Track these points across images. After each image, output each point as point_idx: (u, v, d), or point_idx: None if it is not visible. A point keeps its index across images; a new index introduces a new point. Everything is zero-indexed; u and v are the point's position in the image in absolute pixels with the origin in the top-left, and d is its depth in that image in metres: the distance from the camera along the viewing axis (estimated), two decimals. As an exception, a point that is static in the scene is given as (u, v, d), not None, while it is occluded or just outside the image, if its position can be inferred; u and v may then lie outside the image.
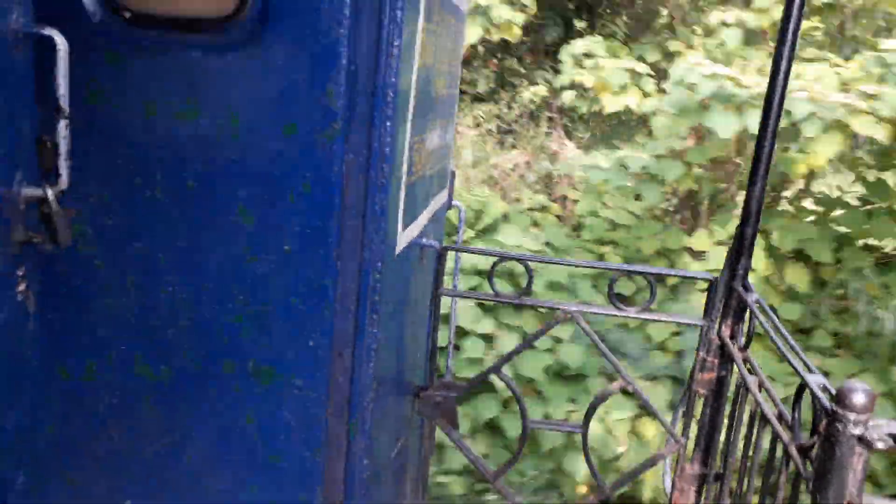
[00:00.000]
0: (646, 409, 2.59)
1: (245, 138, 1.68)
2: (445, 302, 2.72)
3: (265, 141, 1.68)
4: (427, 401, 2.63)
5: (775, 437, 1.65)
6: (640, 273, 2.45)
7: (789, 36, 2.15)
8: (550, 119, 8.27)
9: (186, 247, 1.78)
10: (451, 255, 2.73)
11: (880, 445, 1.24)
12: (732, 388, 2.22)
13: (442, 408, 2.63)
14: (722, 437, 2.33)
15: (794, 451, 1.48)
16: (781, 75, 2.15)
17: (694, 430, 2.52)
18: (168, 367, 1.86)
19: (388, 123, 1.67)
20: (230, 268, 1.78)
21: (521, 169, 7.29)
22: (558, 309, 2.52)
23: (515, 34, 7.27)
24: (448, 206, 2.87)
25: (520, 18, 7.11)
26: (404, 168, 1.91)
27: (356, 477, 2.02)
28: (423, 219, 2.31)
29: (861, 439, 1.26)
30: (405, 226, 2.07)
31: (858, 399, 1.26)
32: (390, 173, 1.75)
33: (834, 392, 1.31)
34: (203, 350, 1.84)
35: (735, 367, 2.13)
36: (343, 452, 2.01)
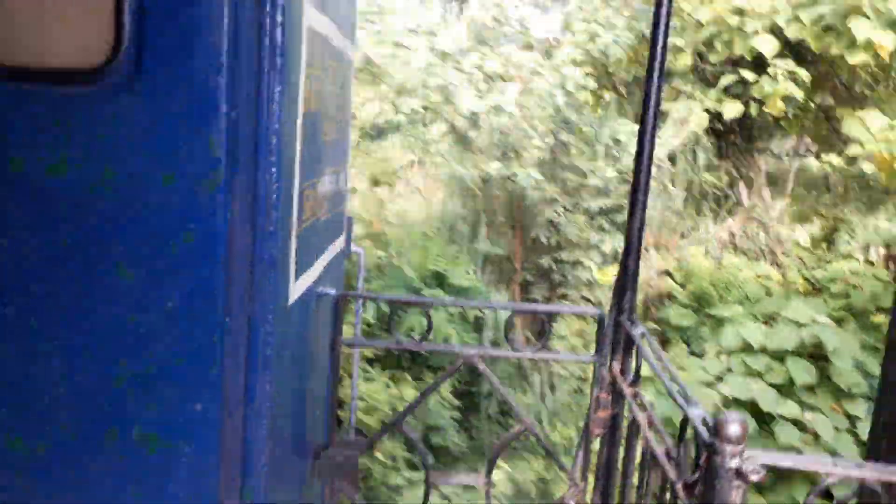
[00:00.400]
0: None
1: (122, 190, 1.61)
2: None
3: (144, 192, 1.61)
4: (328, 461, 2.54)
5: (664, 475, 1.69)
6: (532, 312, 2.50)
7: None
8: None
9: (62, 309, 1.67)
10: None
11: (755, 477, 1.28)
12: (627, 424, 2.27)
13: (343, 468, 2.54)
14: (618, 477, 2.37)
15: (679, 488, 1.51)
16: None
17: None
18: (44, 440, 1.72)
19: (274, 170, 1.64)
20: (110, 329, 1.69)
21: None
22: (456, 353, 2.52)
23: (780, 108, 7.38)
24: (346, 252, 2.84)
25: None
26: (294, 215, 1.88)
27: (252, 545, 1.91)
28: (318, 267, 2.27)
29: (738, 472, 1.31)
30: (298, 275, 2.02)
31: (734, 430, 1.31)
32: (279, 221, 1.72)
33: (712, 424, 1.36)
34: (82, 419, 1.72)
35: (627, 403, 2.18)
36: (238, 525, 1.90)
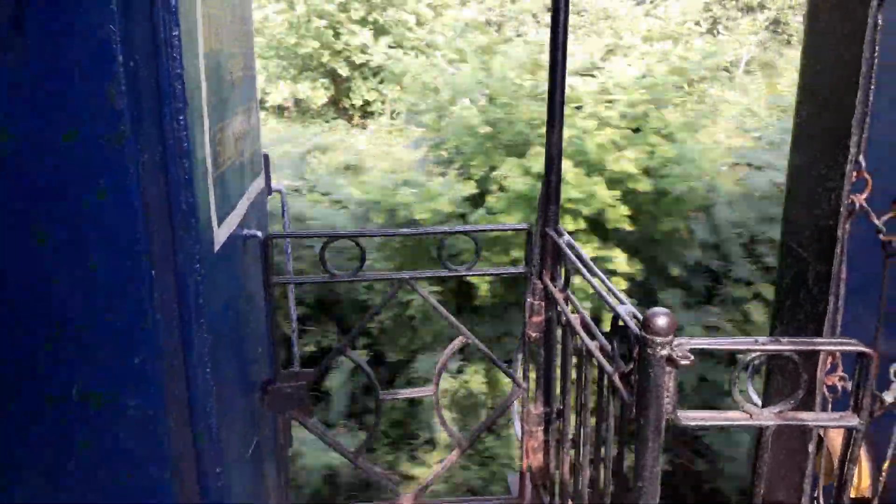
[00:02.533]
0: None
1: (24, 154, 1.53)
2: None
3: (46, 153, 1.53)
4: (275, 394, 2.57)
5: (601, 369, 1.79)
6: (462, 232, 2.53)
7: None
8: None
9: None
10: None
11: (684, 362, 1.38)
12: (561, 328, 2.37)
13: (291, 399, 2.59)
14: (558, 376, 2.49)
15: (616, 379, 1.61)
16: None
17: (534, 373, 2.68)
18: None
19: (181, 117, 1.59)
20: (34, 294, 1.64)
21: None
22: (393, 279, 2.55)
23: None
24: (268, 191, 2.78)
25: None
26: (208, 160, 1.82)
27: (211, 486, 1.96)
28: (240, 209, 2.23)
29: (669, 359, 1.40)
30: (221, 220, 1.98)
31: (661, 322, 1.39)
32: (192, 168, 1.67)
33: (641, 318, 1.44)
34: (22, 387, 1.69)
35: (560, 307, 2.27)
36: (194, 465, 1.94)
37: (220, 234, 2.00)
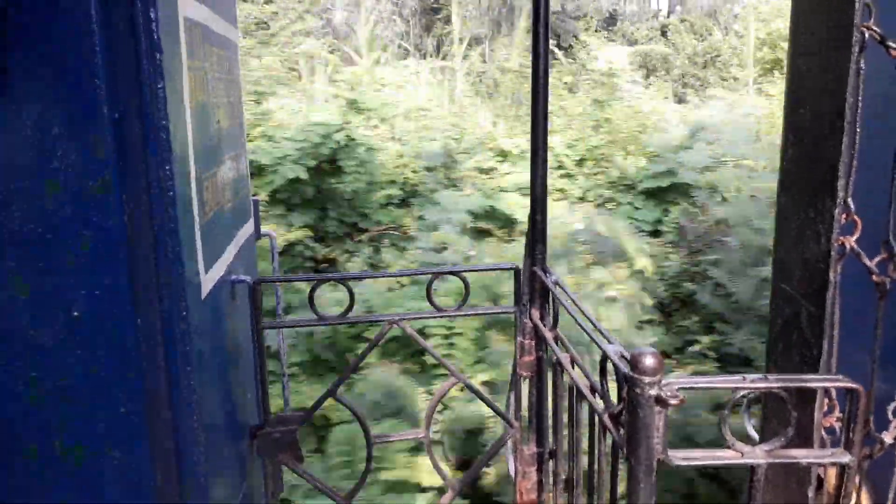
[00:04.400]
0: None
1: (9, 203, 1.53)
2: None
3: (30, 204, 1.54)
4: (264, 439, 2.54)
5: (591, 409, 1.78)
6: (451, 273, 2.54)
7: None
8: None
9: None
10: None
11: (673, 402, 1.37)
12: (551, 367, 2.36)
13: (281, 444, 2.55)
14: (549, 415, 2.47)
15: (606, 419, 1.60)
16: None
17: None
18: None
19: (167, 166, 1.59)
20: (15, 346, 1.62)
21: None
22: (382, 321, 2.54)
23: None
24: (257, 236, 2.79)
25: None
26: (195, 208, 1.83)
27: (198, 537, 1.92)
28: (228, 255, 2.23)
29: (658, 399, 1.39)
30: (208, 267, 1.98)
31: (649, 362, 1.39)
32: (179, 216, 1.67)
33: (629, 358, 1.44)
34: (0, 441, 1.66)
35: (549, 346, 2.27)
36: (179, 515, 1.90)
37: (208, 281, 1.99)
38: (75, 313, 1.63)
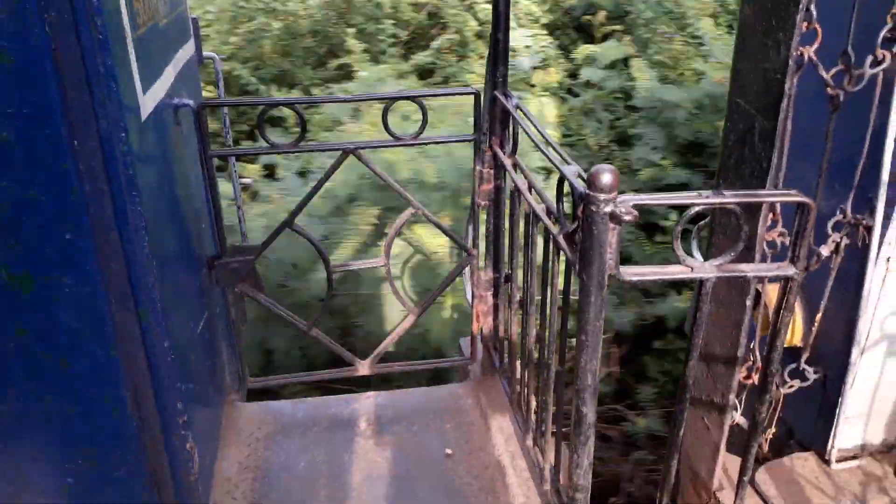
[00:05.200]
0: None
1: None
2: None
3: None
4: (222, 269, 2.53)
5: (547, 232, 1.78)
6: (407, 98, 2.44)
7: None
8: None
9: None
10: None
11: (627, 218, 1.37)
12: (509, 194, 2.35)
13: (239, 273, 2.55)
14: (506, 241, 2.50)
15: (561, 240, 1.61)
16: None
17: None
18: None
19: None
20: None
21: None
22: (338, 149, 2.47)
23: None
24: (199, 59, 2.61)
25: None
26: (125, 20, 1.67)
27: (161, 362, 1.94)
28: (168, 77, 2.09)
29: (612, 216, 1.39)
30: (146, 87, 1.86)
31: (606, 180, 1.37)
32: (107, 27, 1.53)
33: (586, 177, 1.41)
34: None
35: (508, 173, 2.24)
36: (139, 341, 1.91)
37: (147, 102, 1.88)
38: (3, 134, 1.52)
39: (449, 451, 2.57)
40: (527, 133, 1.99)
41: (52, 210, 1.63)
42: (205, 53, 2.60)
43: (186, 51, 2.37)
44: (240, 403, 2.80)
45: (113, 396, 1.91)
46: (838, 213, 2.03)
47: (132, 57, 1.72)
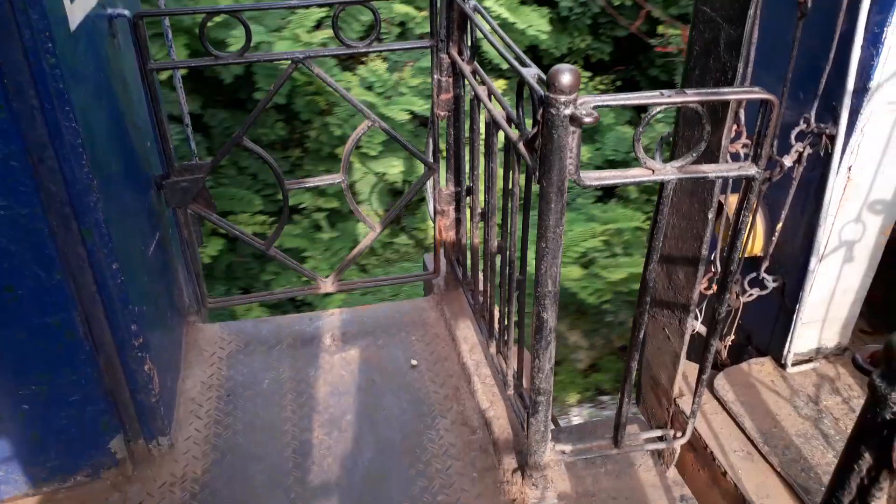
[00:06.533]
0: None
1: None
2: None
3: None
4: (171, 189, 2.43)
5: (507, 140, 1.72)
6: (359, 3, 2.30)
7: None
8: None
9: None
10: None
11: (588, 120, 1.32)
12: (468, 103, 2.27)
13: (190, 192, 2.46)
14: (467, 153, 2.44)
15: (521, 146, 1.55)
16: None
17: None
18: None
19: None
20: None
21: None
22: (287, 59, 2.34)
23: None
24: None
25: None
26: None
27: (110, 283, 1.88)
28: None
29: (573, 118, 1.34)
30: None
31: (566, 80, 1.31)
32: None
33: (545, 79, 1.35)
34: None
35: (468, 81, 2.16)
36: (86, 263, 1.85)
37: (76, 12, 1.74)
38: None
39: (414, 362, 2.58)
40: (484, 35, 1.90)
41: (-21, 128, 1.52)
42: (139, -43, 2.41)
43: None
44: (201, 324, 2.76)
45: (63, 320, 1.85)
46: (802, 122, 2.01)
47: None
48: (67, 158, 1.68)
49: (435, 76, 2.40)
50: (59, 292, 1.80)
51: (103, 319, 1.91)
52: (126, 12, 2.14)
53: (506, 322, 2.12)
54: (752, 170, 1.44)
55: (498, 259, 2.14)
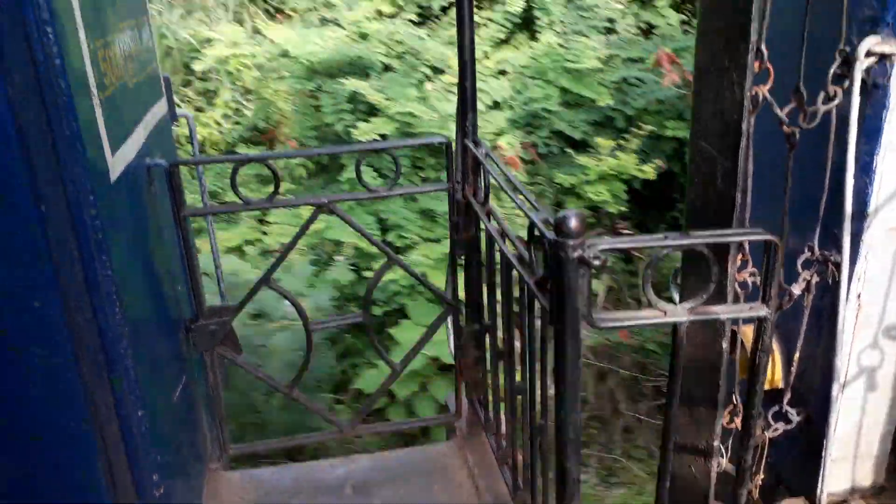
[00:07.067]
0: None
1: None
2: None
3: None
4: (200, 332, 2.49)
5: (521, 279, 1.77)
6: (381, 150, 2.45)
7: None
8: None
9: None
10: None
11: (596, 262, 1.36)
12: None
13: (217, 335, 2.51)
14: (485, 290, 2.48)
15: (533, 286, 1.59)
16: None
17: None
18: None
19: (49, 30, 1.43)
20: None
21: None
22: (312, 203, 2.46)
23: None
24: (172, 117, 2.62)
25: None
26: (91, 80, 1.67)
27: (135, 432, 1.89)
28: (138, 137, 2.08)
29: (581, 261, 1.38)
30: (115, 148, 1.85)
31: (572, 224, 1.37)
32: (71, 89, 1.52)
33: (553, 223, 1.41)
34: None
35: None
36: (113, 411, 1.86)
37: (117, 164, 1.87)
38: None
39: (436, 513, 2.50)
40: (496, 180, 2.00)
41: (20, 277, 1.60)
42: (178, 112, 2.62)
43: (158, 110, 2.38)
44: (222, 472, 2.72)
45: (86, 468, 1.84)
46: (806, 250, 2.03)
47: (99, 119, 1.72)
48: (102, 307, 1.74)
49: (452, 218, 2.50)
50: (85, 441, 1.81)
51: (125, 469, 1.89)
52: (163, 162, 2.28)
53: (531, 470, 2.06)
54: (762, 311, 1.45)
55: (519, 402, 2.12)
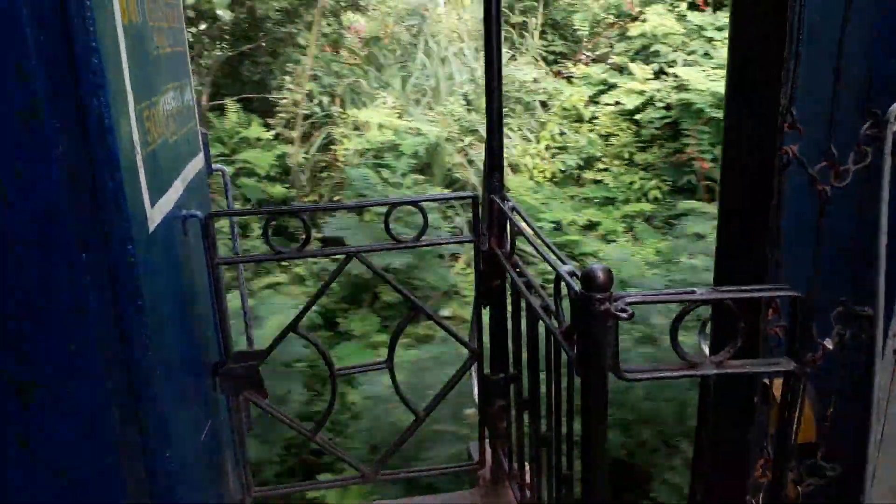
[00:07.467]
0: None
1: None
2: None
3: None
4: (227, 376, 2.53)
5: (547, 330, 1.79)
6: (409, 203, 2.51)
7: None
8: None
9: None
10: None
11: (623, 316, 1.38)
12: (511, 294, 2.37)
13: (244, 380, 2.54)
14: (510, 340, 2.50)
15: (560, 337, 1.61)
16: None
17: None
18: None
19: (100, 91, 1.52)
20: None
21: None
22: (341, 253, 2.52)
23: None
24: (208, 171, 2.71)
25: None
26: (136, 138, 1.76)
27: (160, 472, 1.91)
28: (176, 190, 2.16)
29: (608, 314, 1.40)
30: (154, 200, 1.92)
31: (600, 279, 1.39)
32: (117, 145, 1.60)
33: (580, 276, 1.43)
34: None
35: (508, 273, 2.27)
36: (140, 451, 1.89)
37: (155, 215, 1.94)
38: (14, 252, 1.57)
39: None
40: (524, 236, 2.03)
41: (58, 322, 1.65)
42: (214, 166, 2.70)
43: (196, 164, 2.47)
44: (245, 514, 2.72)
45: (111, 510, 1.87)
46: (840, 304, 2.02)
47: (141, 172, 1.80)
48: (136, 351, 1.79)
49: (478, 269, 2.53)
50: (113, 480, 1.84)
51: (150, 512, 1.92)
52: (198, 213, 2.36)
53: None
54: (790, 365, 1.46)
55: (544, 452, 2.12)
